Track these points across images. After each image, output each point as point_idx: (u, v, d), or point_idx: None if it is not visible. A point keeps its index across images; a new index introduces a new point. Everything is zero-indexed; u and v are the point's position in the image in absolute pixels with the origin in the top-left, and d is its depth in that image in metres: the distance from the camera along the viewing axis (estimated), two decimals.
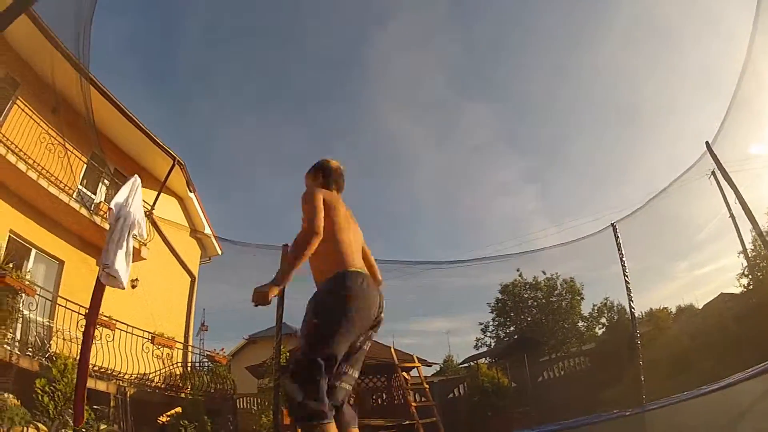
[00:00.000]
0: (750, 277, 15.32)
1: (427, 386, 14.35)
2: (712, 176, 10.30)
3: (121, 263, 7.37)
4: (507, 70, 57.64)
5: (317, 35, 53.67)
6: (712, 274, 42.23)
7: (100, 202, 11.85)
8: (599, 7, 47.47)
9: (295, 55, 54.77)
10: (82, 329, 7.76)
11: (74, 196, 10.78)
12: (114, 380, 9.68)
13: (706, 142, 9.63)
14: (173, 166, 13.61)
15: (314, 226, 2.79)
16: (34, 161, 9.81)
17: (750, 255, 14.23)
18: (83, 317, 8.36)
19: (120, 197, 7.86)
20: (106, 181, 12.48)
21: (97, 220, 11.03)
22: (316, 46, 55.65)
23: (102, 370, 9.55)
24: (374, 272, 3.29)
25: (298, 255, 2.72)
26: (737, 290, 17.13)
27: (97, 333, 9.06)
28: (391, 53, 52.16)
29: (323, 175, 3.42)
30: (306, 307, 2.78)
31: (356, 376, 2.87)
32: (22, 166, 9.41)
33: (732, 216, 11.89)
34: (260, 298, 2.65)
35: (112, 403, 9.15)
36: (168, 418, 10.96)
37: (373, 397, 16.81)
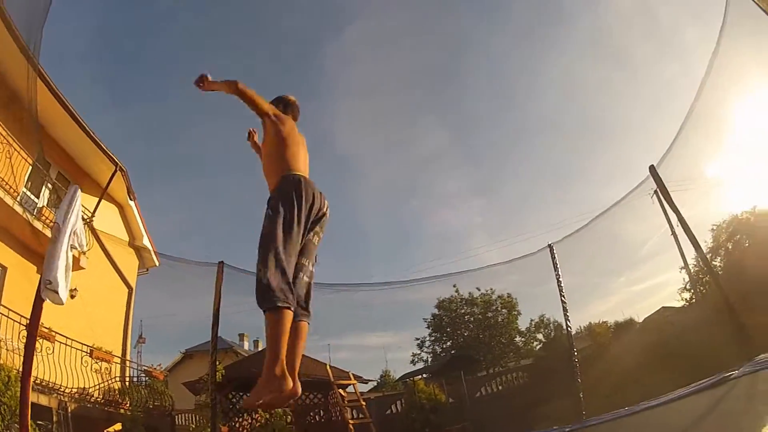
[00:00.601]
0: (692, 291, 15.84)
1: (363, 403, 14.19)
2: (654, 195, 10.51)
3: (62, 278, 7.13)
4: (459, 82, 58.26)
5: (275, 37, 53.13)
6: (652, 289, 43.52)
7: (43, 206, 11.40)
8: (554, 22, 48.64)
9: (245, 56, 53.94)
10: (24, 340, 7.60)
11: (18, 199, 10.33)
12: (55, 394, 9.28)
13: (650, 166, 9.83)
14: (115, 172, 13.29)
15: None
16: None
17: (692, 270, 14.68)
18: (25, 328, 7.98)
19: (61, 212, 7.70)
20: (49, 185, 12.04)
21: (39, 225, 10.59)
22: (271, 48, 55.17)
23: (43, 384, 9.12)
24: None
25: (245, 91, 3.33)
26: (678, 304, 17.72)
27: (37, 345, 8.66)
28: (348, 60, 52.17)
29: (283, 105, 3.81)
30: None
31: (312, 269, 3.24)
32: None
33: (674, 233, 12.22)
34: (201, 80, 3.36)
35: (54, 418, 8.80)
36: None
37: (310, 414, 16.50)
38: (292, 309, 2.70)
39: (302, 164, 3.40)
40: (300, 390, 2.71)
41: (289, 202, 3.01)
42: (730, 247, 15.14)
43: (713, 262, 13.94)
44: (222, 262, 10.28)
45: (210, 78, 3.34)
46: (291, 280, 2.78)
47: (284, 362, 2.61)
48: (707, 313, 9.83)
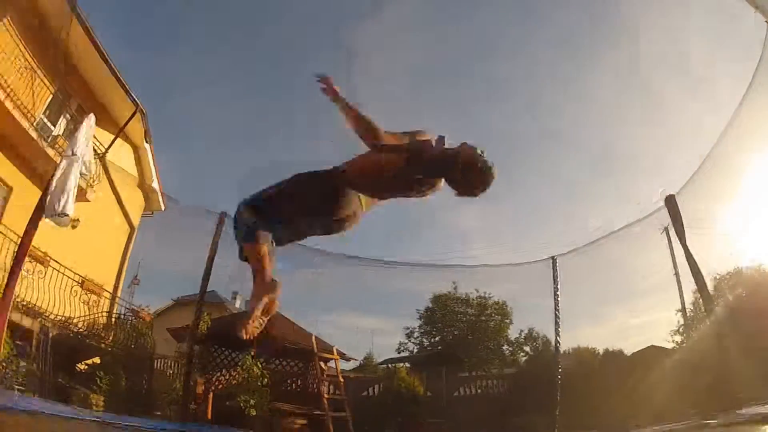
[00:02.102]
0: (684, 335, 15.71)
1: (342, 380, 14.17)
2: (664, 231, 10.39)
3: (65, 200, 7.26)
4: (484, 81, 57.82)
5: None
6: (645, 325, 43.22)
7: (58, 135, 11.41)
8: (586, 45, 48.09)
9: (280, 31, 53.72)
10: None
11: (35, 124, 10.36)
12: (39, 318, 9.31)
13: (667, 196, 9.67)
14: (134, 113, 13.21)
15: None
16: (5, 81, 9.39)
17: (688, 314, 14.52)
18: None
19: (73, 137, 7.82)
20: (67, 116, 12.06)
21: (52, 153, 10.55)
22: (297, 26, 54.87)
23: (29, 306, 9.19)
24: None
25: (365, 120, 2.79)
26: (669, 346, 17.60)
27: (30, 266, 8.72)
28: (369, 50, 51.80)
29: None
30: None
31: None
32: None
33: (677, 273, 12.08)
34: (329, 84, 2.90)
35: (34, 342, 8.81)
36: (86, 367, 10.63)
37: (287, 381, 16.52)
38: None
39: None
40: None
41: None
42: (730, 298, 15.02)
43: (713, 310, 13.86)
44: (224, 212, 10.20)
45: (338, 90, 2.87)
46: None
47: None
48: (697, 359, 9.73)
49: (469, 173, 2.75)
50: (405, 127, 3.04)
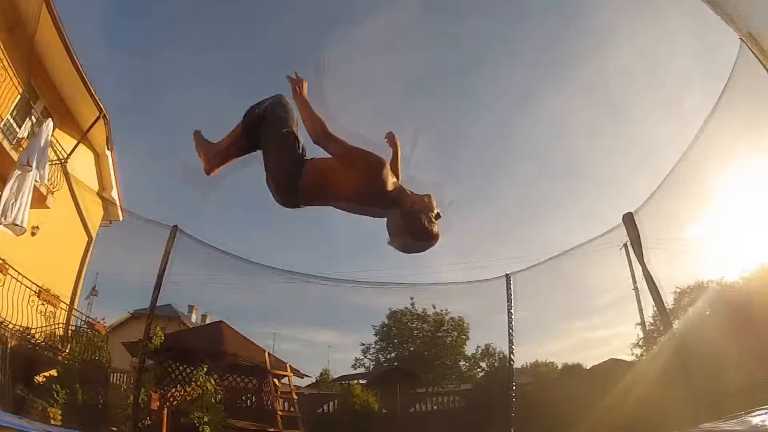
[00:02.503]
0: (644, 348, 16.05)
1: (296, 397, 14.10)
2: (623, 248, 10.61)
3: (17, 208, 7.11)
4: (453, 98, 58.48)
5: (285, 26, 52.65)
6: (605, 339, 44.08)
7: (23, 138, 11.08)
8: (558, 63, 49.05)
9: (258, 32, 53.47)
10: None
11: (1, 125, 10.07)
12: None
13: (624, 215, 9.88)
14: (98, 118, 12.92)
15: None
16: None
17: (648, 328, 14.85)
18: None
19: (30, 142, 7.64)
20: (33, 118, 11.75)
21: (15, 156, 10.17)
22: (283, 34, 54.69)
23: None
24: None
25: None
26: (629, 358, 17.96)
27: None
28: (353, 55, 51.93)
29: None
30: None
31: None
32: None
33: (636, 288, 12.35)
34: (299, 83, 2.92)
35: None
36: (44, 379, 10.38)
37: (242, 398, 16.34)
38: None
39: None
40: None
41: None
42: (689, 312, 15.40)
43: (671, 321, 14.16)
44: (176, 225, 10.20)
45: (305, 89, 2.88)
46: None
47: None
48: (657, 372, 9.93)
49: (412, 224, 2.51)
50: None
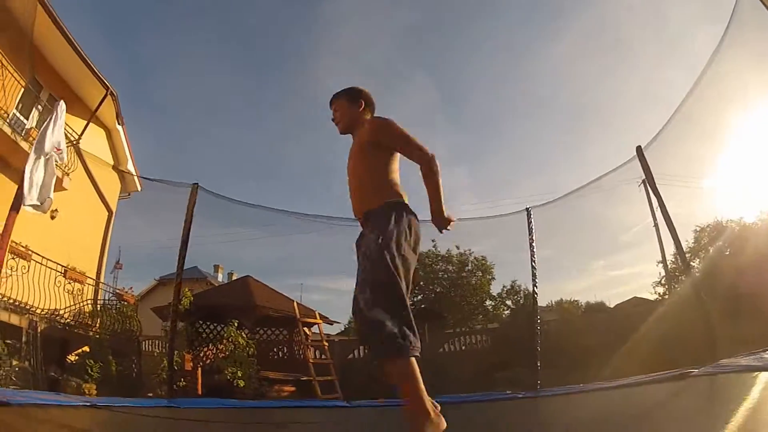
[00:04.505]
0: (666, 286, 16.00)
1: (326, 344, 14.32)
2: (642, 185, 10.43)
3: (38, 189, 7.23)
4: (458, 46, 57.79)
5: None
6: (627, 277, 44.22)
7: (31, 128, 11.18)
8: (564, 6, 48.16)
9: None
10: None
11: (8, 120, 10.20)
12: (26, 314, 9.28)
13: (638, 147, 9.71)
14: (105, 96, 13.03)
15: (427, 149, 2.88)
16: None
17: (669, 266, 14.76)
18: None
19: (45, 125, 7.86)
20: (39, 107, 11.90)
21: (26, 146, 10.29)
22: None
23: (16, 303, 9.13)
24: None
25: (438, 177, 2.85)
26: (651, 297, 17.94)
27: (13, 263, 8.64)
28: (348, 12, 51.25)
29: (366, 102, 3.29)
30: (368, 233, 2.71)
31: None
32: None
33: (656, 225, 12.23)
34: (444, 222, 2.90)
35: (24, 338, 8.80)
36: (76, 357, 10.65)
37: (274, 349, 16.70)
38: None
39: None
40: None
41: (405, 237, 2.65)
42: (710, 250, 15.28)
43: (691, 263, 14.05)
44: (197, 183, 10.21)
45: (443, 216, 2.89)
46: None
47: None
48: (677, 311, 9.92)
49: None
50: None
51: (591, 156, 56.85)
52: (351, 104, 3.25)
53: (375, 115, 3.28)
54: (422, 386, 2.30)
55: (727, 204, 15.17)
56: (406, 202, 2.88)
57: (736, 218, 15.71)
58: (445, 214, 2.85)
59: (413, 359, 2.31)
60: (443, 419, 2.34)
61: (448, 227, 2.90)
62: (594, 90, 54.62)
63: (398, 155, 3.00)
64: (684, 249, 10.19)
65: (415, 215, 2.83)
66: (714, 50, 7.42)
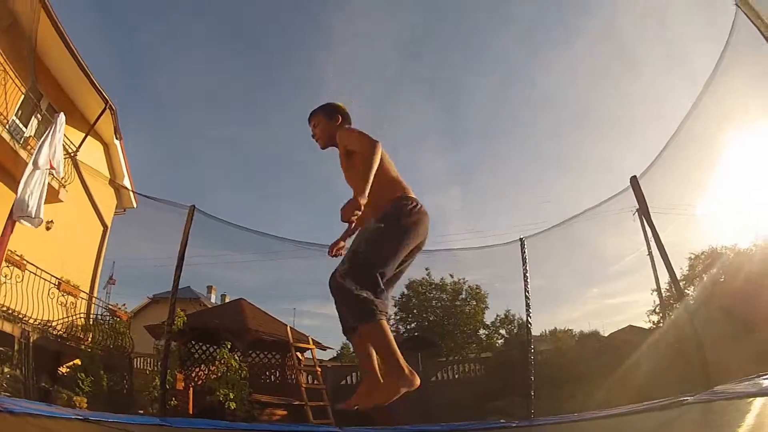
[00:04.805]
0: (660, 315, 16.01)
1: (319, 369, 14.30)
2: (636, 213, 10.52)
3: (35, 201, 7.30)
4: (458, 59, 58.21)
5: None
6: (622, 306, 44.12)
7: (30, 136, 11.24)
8: (566, 15, 48.66)
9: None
10: None
11: (7, 127, 10.17)
12: (19, 323, 9.21)
13: (632, 177, 9.83)
14: (104, 109, 13.04)
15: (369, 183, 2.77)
16: None
17: (664, 294, 14.79)
18: None
19: (43, 137, 7.80)
20: (38, 116, 11.91)
21: (24, 154, 10.33)
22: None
23: (9, 312, 9.09)
24: None
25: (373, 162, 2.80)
26: (646, 325, 17.93)
27: (7, 272, 8.65)
28: (354, 16, 51.69)
29: (342, 117, 3.41)
30: (369, 227, 2.86)
31: (390, 300, 3.07)
32: None
33: (650, 253, 12.29)
34: (348, 211, 2.65)
35: (15, 347, 8.77)
36: (67, 369, 10.57)
37: (266, 373, 16.60)
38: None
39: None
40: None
41: (405, 231, 2.84)
42: (704, 278, 15.35)
43: (686, 291, 14.09)
44: (194, 206, 10.32)
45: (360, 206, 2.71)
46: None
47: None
48: (671, 339, 9.96)
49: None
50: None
51: (587, 174, 57.08)
52: (329, 120, 3.39)
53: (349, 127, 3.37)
54: (395, 345, 2.51)
55: (722, 230, 15.27)
56: (411, 195, 3.02)
57: (730, 245, 15.79)
58: (356, 204, 2.64)
59: (383, 321, 2.53)
60: (417, 376, 2.50)
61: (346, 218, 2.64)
62: (594, 106, 55.09)
63: (384, 154, 3.09)
64: (678, 277, 10.27)
65: (421, 207, 2.98)
66: (710, 75, 7.52)
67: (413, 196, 3.03)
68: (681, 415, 6.51)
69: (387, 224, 2.81)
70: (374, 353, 2.72)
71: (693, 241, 16.13)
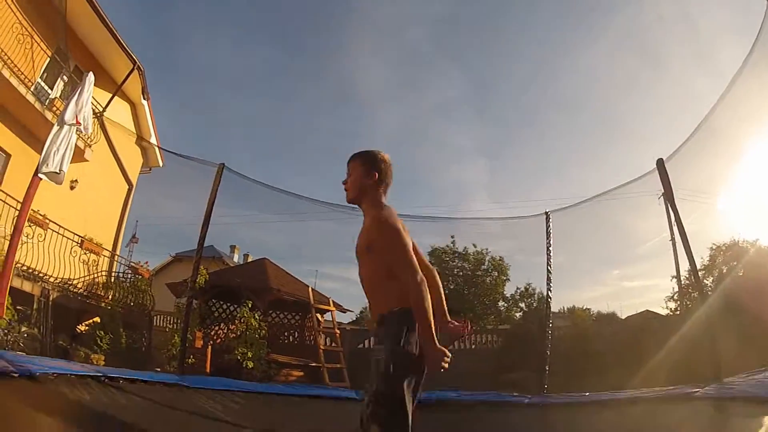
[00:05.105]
0: (678, 302, 15.85)
1: (338, 332, 14.40)
2: (661, 197, 10.33)
3: (60, 158, 7.40)
4: (491, 42, 57.55)
5: None
6: (641, 290, 43.97)
7: (55, 98, 11.24)
8: (595, 11, 47.77)
9: None
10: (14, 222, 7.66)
11: (32, 89, 10.24)
12: (39, 282, 9.36)
13: (659, 160, 9.63)
14: (132, 70, 13.03)
15: (416, 271, 2.44)
16: (2, 49, 9.26)
17: (683, 282, 14.58)
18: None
19: (71, 95, 7.87)
20: (64, 77, 11.93)
21: (50, 116, 10.42)
22: None
23: (30, 271, 9.24)
24: (430, 275, 2.84)
25: (427, 311, 2.35)
26: (663, 312, 17.79)
27: (29, 231, 8.75)
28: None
29: (379, 175, 2.90)
30: (381, 333, 2.55)
31: None
32: None
33: (673, 240, 12.05)
34: (437, 355, 2.30)
35: (35, 306, 8.89)
36: (87, 327, 10.74)
37: (285, 333, 16.79)
38: None
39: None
40: None
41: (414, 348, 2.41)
42: (724, 270, 15.14)
43: (704, 281, 13.91)
44: (223, 164, 10.33)
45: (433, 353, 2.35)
46: None
47: None
48: (687, 328, 9.85)
49: None
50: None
51: (612, 161, 56.43)
52: (365, 173, 2.90)
53: (384, 181, 2.95)
54: None
55: (744, 224, 14.98)
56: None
57: (751, 239, 15.51)
58: (436, 350, 2.31)
59: None
60: None
61: (443, 364, 2.29)
62: (621, 95, 54.28)
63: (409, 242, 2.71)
64: (698, 266, 10.11)
65: None
66: (739, 68, 7.30)
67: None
68: (692, 404, 6.49)
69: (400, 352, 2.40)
70: None
71: (716, 232, 15.89)
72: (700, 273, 11.33)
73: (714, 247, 16.66)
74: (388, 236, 2.62)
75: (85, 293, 10.84)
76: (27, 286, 8.86)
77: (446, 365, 2.28)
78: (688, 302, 14.03)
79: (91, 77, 8.46)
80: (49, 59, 11.05)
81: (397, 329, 2.43)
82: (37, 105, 10.25)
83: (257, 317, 12.14)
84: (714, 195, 11.04)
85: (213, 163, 10.52)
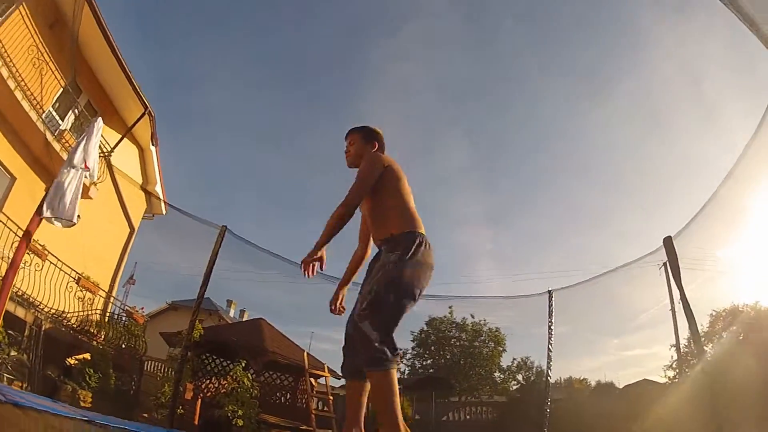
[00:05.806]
0: (677, 370, 15.67)
1: (331, 398, 14.11)
2: (663, 267, 10.36)
3: (69, 204, 7.48)
4: (498, 109, 58.67)
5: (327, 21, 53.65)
6: (639, 359, 43.35)
7: (65, 130, 11.38)
8: (602, 75, 48.92)
9: (300, 28, 54.63)
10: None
11: (43, 116, 10.34)
12: (33, 309, 9.27)
13: (666, 238, 9.67)
14: (143, 114, 13.19)
15: (350, 203, 2.96)
16: (17, 70, 9.40)
17: (682, 351, 14.45)
18: (19, 238, 8.01)
19: (80, 141, 7.92)
20: (75, 111, 12.06)
21: (57, 147, 10.57)
22: (323, 28, 55.76)
23: (24, 297, 9.15)
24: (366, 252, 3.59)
25: (332, 228, 2.90)
26: (661, 380, 17.56)
27: (27, 259, 8.75)
28: (396, 58, 52.55)
29: (379, 144, 3.47)
30: (383, 259, 2.94)
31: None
32: (4, 72, 9.02)
33: (673, 309, 12.03)
34: (307, 264, 2.84)
35: (26, 332, 8.80)
36: (76, 362, 10.57)
37: (276, 394, 16.51)
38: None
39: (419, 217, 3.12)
40: None
41: (425, 273, 2.88)
42: (724, 335, 15.01)
43: (705, 348, 13.76)
44: (225, 226, 10.37)
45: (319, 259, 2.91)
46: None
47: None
48: (685, 395, 9.70)
49: None
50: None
51: (613, 226, 56.77)
52: (365, 143, 3.43)
53: (383, 148, 3.50)
54: (398, 400, 2.53)
55: (744, 287, 14.93)
56: (422, 231, 2.99)
57: (751, 302, 15.44)
58: (318, 254, 2.85)
59: (393, 372, 2.57)
60: None
61: (308, 271, 2.85)
62: (629, 162, 55.00)
63: (404, 181, 3.17)
64: (699, 333, 10.03)
65: (430, 246, 3.00)
66: (748, 140, 7.38)
67: (424, 232, 3.01)
68: None
69: (405, 266, 2.80)
70: (364, 405, 2.92)
71: (716, 298, 15.88)
72: (701, 340, 11.24)
73: (714, 313, 16.58)
74: (363, 165, 3.14)
75: (77, 328, 10.67)
76: (20, 312, 8.75)
77: (312, 264, 2.83)
78: (686, 370, 13.90)
79: (99, 123, 8.57)
80: (61, 90, 11.18)
81: (403, 247, 2.85)
82: (47, 133, 10.34)
83: (250, 377, 11.96)
84: (716, 261, 11.05)
85: (215, 224, 10.56)
